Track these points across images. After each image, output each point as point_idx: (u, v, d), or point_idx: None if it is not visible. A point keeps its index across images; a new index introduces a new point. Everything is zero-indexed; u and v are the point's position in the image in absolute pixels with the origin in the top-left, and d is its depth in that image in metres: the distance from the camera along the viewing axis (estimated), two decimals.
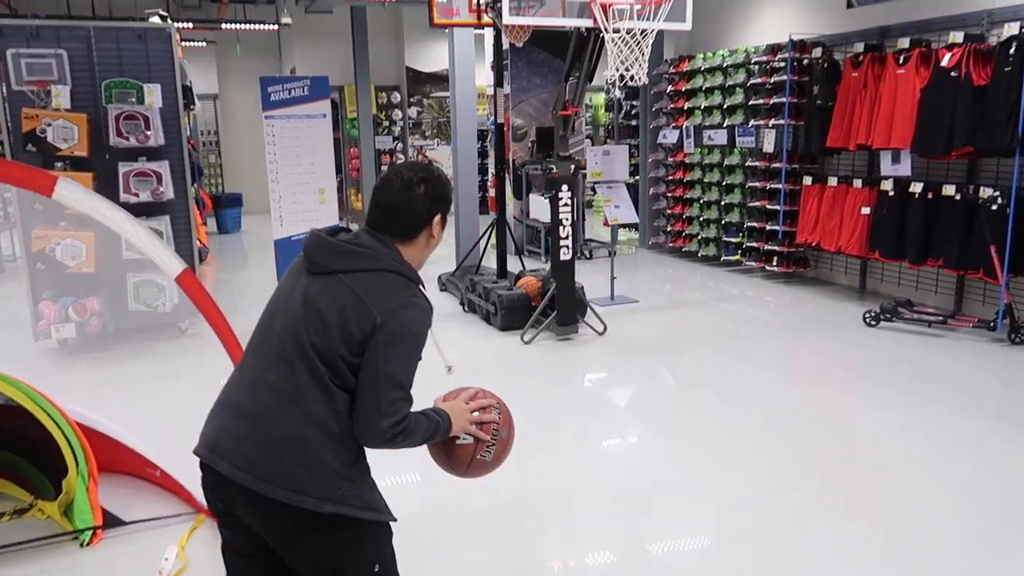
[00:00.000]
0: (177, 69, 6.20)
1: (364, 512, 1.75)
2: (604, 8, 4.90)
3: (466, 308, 7.05)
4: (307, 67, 13.66)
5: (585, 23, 5.14)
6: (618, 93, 4.90)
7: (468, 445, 1.91)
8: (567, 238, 5.90)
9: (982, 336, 5.87)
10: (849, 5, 7.42)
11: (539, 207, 9.36)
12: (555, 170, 5.84)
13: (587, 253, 9.72)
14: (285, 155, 6.46)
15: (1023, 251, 5.68)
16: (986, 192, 5.74)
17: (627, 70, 4.89)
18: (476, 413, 1.92)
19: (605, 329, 6.24)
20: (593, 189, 9.27)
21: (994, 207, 5.66)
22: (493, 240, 7.38)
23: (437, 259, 9.90)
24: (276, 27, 12.39)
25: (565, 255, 5.91)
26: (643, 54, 4.91)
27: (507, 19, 4.85)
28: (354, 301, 1.71)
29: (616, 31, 4.97)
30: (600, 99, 13.39)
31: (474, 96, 8.08)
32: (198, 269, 9.07)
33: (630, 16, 4.98)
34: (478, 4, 6.68)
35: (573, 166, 5.95)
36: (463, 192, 8.22)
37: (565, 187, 5.79)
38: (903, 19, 6.81)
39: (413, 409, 1.76)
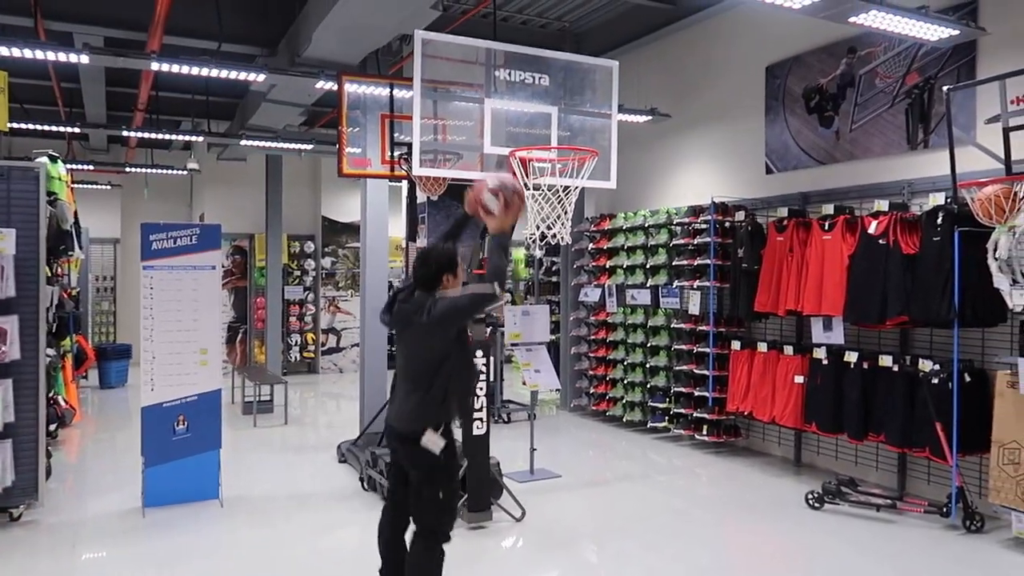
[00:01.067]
0: (42, 212, 5.46)
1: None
2: (524, 163, 4.51)
3: (365, 486, 6.16)
4: (217, 214, 13.09)
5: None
6: (539, 252, 4.37)
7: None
8: (481, 410, 5.21)
9: (935, 522, 5.35)
10: (768, 171, 7.40)
11: None
12: (468, 334, 5.23)
13: (505, 416, 9.01)
14: (164, 310, 5.67)
15: (971, 429, 5.30)
16: (926, 365, 5.42)
17: (548, 228, 4.44)
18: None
19: (523, 514, 5.45)
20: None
21: (935, 381, 5.32)
22: None
23: (342, 425, 9.07)
24: (184, 172, 11.86)
25: (479, 430, 5.20)
26: (565, 212, 4.50)
27: (417, 171, 4.39)
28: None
29: (537, 187, 4.56)
30: (520, 255, 13.18)
31: (385, 248, 7.58)
32: (59, 434, 7.92)
33: (551, 172, 4.60)
34: (391, 155, 6.29)
35: (489, 328, 5.36)
36: (371, 348, 7.53)
37: (479, 353, 5.18)
38: (823, 186, 6.76)
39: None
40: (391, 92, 6.22)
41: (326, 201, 13.52)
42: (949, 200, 5.32)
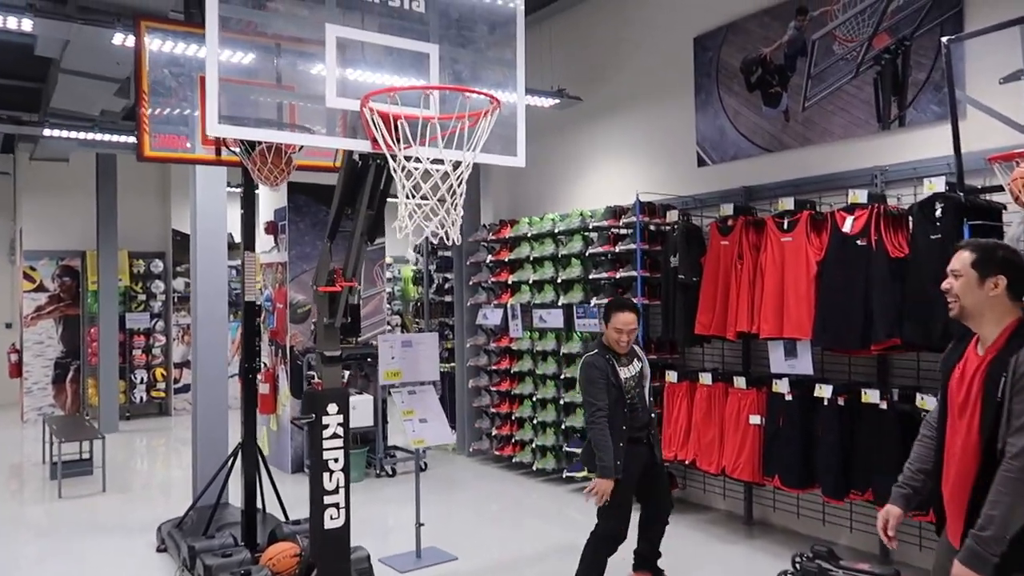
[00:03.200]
0: None
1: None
2: (386, 122, 2.94)
3: None
4: (39, 227, 10.85)
5: (359, 146, 3.14)
6: (410, 255, 2.80)
7: None
8: (337, 491, 3.56)
9: None
10: (701, 162, 6.12)
11: None
12: (316, 380, 3.60)
13: (389, 469, 7.34)
14: None
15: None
16: (926, 401, 4.17)
17: (427, 219, 2.88)
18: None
19: None
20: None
21: None
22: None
23: (181, 488, 7.05)
24: None
25: (333, 521, 3.55)
26: (453, 200, 2.95)
27: (214, 129, 2.74)
28: None
29: (411, 159, 3.00)
30: (408, 271, 11.57)
31: (223, 263, 5.81)
32: None
33: (431, 137, 3.04)
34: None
35: (347, 372, 3.74)
36: (204, 392, 5.74)
37: (333, 407, 3.54)
38: (770, 178, 5.52)
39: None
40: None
41: (178, 212, 11.41)
42: (950, 187, 4.11)
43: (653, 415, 4.31)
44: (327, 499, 3.53)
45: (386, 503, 6.40)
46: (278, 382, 7.63)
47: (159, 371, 11.43)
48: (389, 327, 13.11)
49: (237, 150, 4.47)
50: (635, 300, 5.93)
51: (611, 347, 4.13)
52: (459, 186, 2.94)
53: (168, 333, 11.53)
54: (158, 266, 11.49)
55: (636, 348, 4.27)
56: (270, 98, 3.09)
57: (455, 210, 2.91)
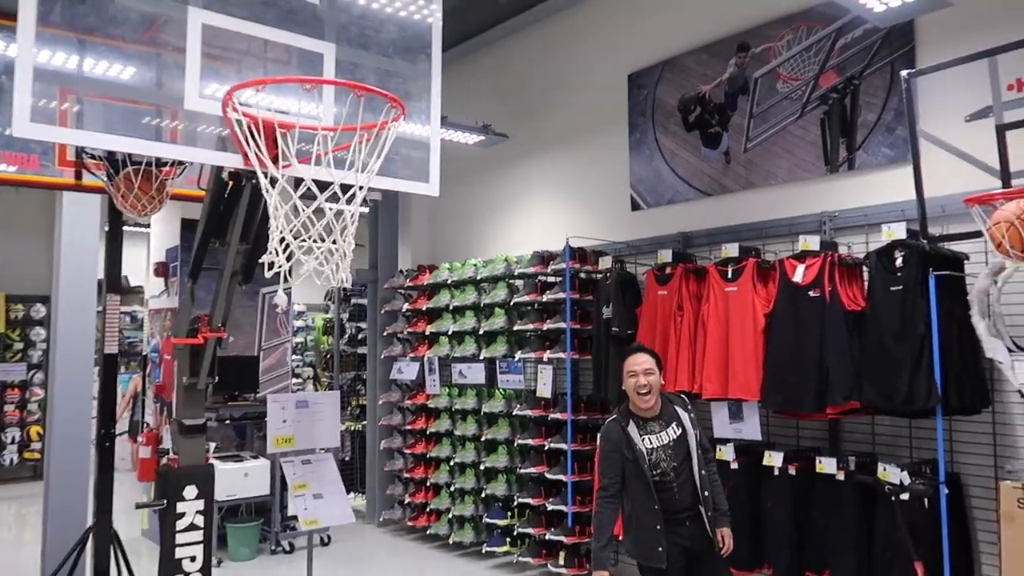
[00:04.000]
0: None
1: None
2: (267, 130, 2.31)
3: None
4: None
5: (227, 160, 2.50)
6: (279, 302, 2.15)
7: None
8: None
9: None
10: (635, 207, 5.68)
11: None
12: (172, 456, 2.88)
13: (286, 545, 6.47)
14: None
15: (964, 564, 3.63)
16: (889, 473, 3.71)
17: (307, 253, 2.25)
18: None
19: None
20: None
21: (905, 497, 3.61)
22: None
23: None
24: None
25: None
26: (341, 231, 2.33)
27: (22, 128, 2.06)
28: None
29: (292, 183, 2.37)
30: (320, 320, 10.78)
31: (91, 307, 5.01)
32: None
33: (320, 155, 2.43)
34: (79, 154, 3.86)
35: (213, 447, 3.03)
36: (60, 459, 4.90)
37: (192, 490, 2.81)
38: (710, 224, 5.11)
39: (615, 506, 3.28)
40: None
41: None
42: (910, 234, 3.73)
43: (705, 493, 3.30)
44: None
45: None
46: (161, 444, 6.72)
47: (35, 429, 10.19)
48: (298, 380, 12.22)
49: (101, 174, 3.76)
50: (562, 355, 5.38)
51: (634, 410, 3.35)
52: (352, 219, 2.33)
53: (47, 386, 10.32)
54: (40, 311, 10.34)
55: (679, 409, 3.41)
56: (114, 93, 2.43)
57: (345, 244, 2.29)
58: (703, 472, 3.33)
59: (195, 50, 2.34)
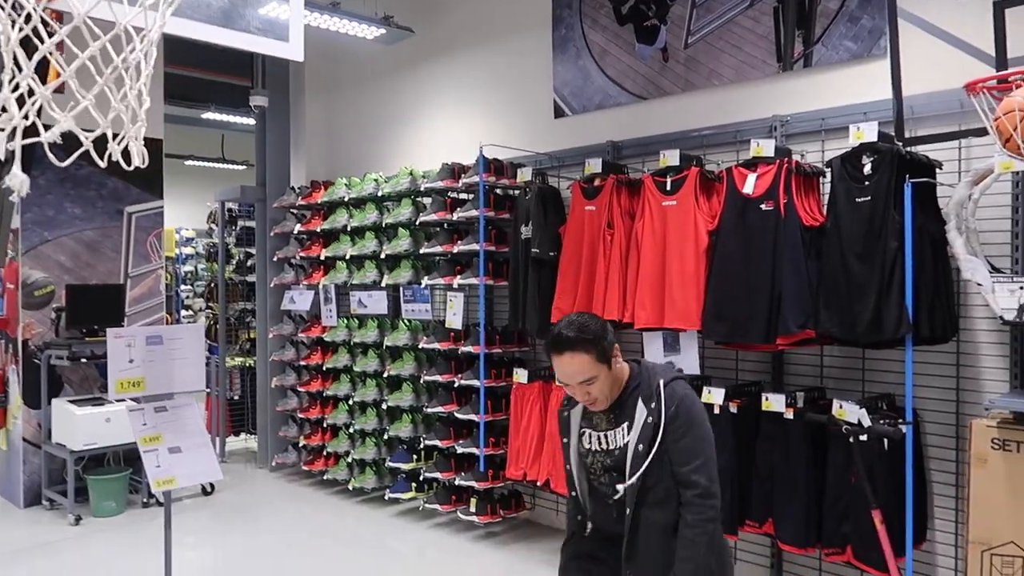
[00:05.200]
0: None
1: None
2: None
3: None
4: None
5: None
6: (13, 181, 1.37)
7: None
8: None
9: None
10: (559, 113, 4.99)
11: (69, 422, 5.26)
12: None
13: (159, 496, 5.69)
14: None
15: (919, 511, 3.24)
16: (846, 411, 3.24)
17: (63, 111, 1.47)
18: None
19: None
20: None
21: (863, 438, 3.16)
22: None
23: None
24: None
25: None
26: (131, 88, 1.55)
27: None
28: None
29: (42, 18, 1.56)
30: (203, 245, 9.76)
31: None
32: None
33: None
34: None
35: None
36: None
37: None
38: (645, 131, 4.48)
39: None
40: None
41: None
42: (882, 137, 3.19)
43: (638, 548, 2.28)
44: None
45: (152, 546, 4.80)
46: (7, 387, 5.76)
47: None
48: (190, 312, 11.18)
49: None
50: (475, 281, 4.72)
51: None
52: (145, 67, 1.55)
53: None
54: None
55: (641, 405, 2.28)
56: None
57: (133, 91, 1.52)
58: (648, 517, 2.23)
59: None
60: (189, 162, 12.00)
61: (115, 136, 1.63)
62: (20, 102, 1.41)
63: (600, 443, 2.34)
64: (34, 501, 5.61)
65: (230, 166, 12.17)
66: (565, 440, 2.46)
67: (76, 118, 1.54)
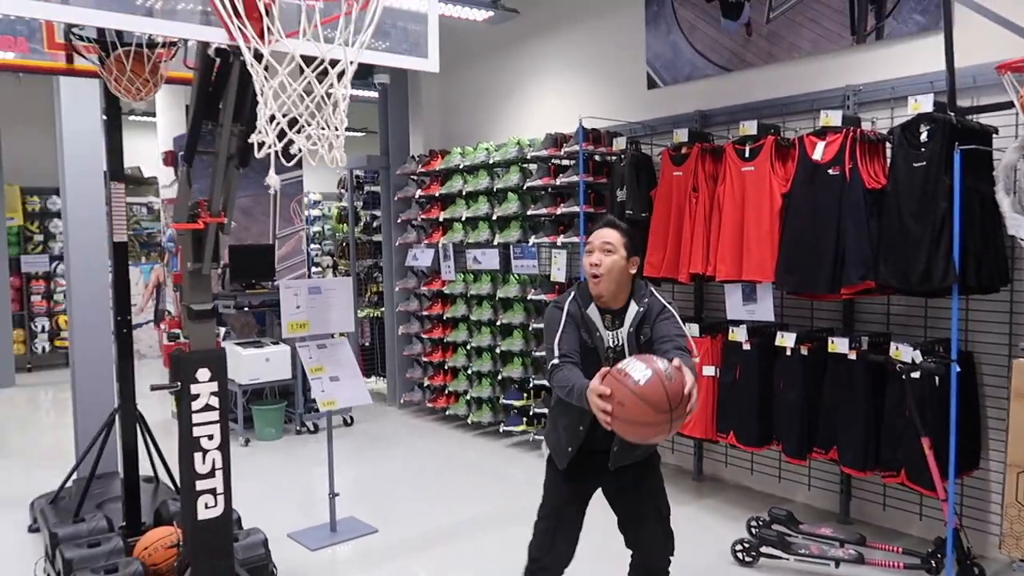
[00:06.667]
0: None
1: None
2: (247, 3, 2.18)
3: None
4: None
5: (213, 36, 2.38)
6: (271, 182, 2.10)
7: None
8: (213, 474, 2.90)
9: None
10: (652, 84, 5.46)
11: (236, 361, 6.27)
12: (182, 339, 2.90)
13: (310, 426, 6.69)
14: None
15: (972, 441, 3.67)
16: (902, 351, 3.68)
17: (296, 130, 2.18)
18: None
19: None
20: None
21: (916, 375, 3.60)
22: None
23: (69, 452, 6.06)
24: None
25: (209, 510, 2.90)
26: (331, 106, 2.23)
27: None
28: None
29: (278, 57, 2.26)
30: (335, 208, 10.72)
31: (98, 197, 5.00)
32: None
33: (307, 29, 2.30)
34: (69, 36, 3.72)
35: (224, 330, 3.06)
36: (82, 347, 5.03)
37: (205, 372, 2.85)
38: (730, 101, 4.90)
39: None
40: None
41: None
42: (938, 107, 3.54)
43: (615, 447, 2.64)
44: (200, 484, 2.88)
45: (305, 465, 5.78)
46: None
47: (62, 318, 10.44)
48: (318, 269, 12.31)
49: (92, 57, 3.64)
50: (576, 239, 5.32)
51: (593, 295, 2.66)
52: (343, 93, 2.23)
53: (69, 276, 10.50)
54: (56, 203, 10.38)
55: (638, 305, 2.63)
56: None
57: (337, 122, 2.21)
58: None
59: None
60: None
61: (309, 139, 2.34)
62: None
63: (616, 340, 2.63)
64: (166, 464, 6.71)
65: (352, 133, 13.13)
66: (589, 334, 2.61)
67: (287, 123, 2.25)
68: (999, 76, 2.88)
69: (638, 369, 2.12)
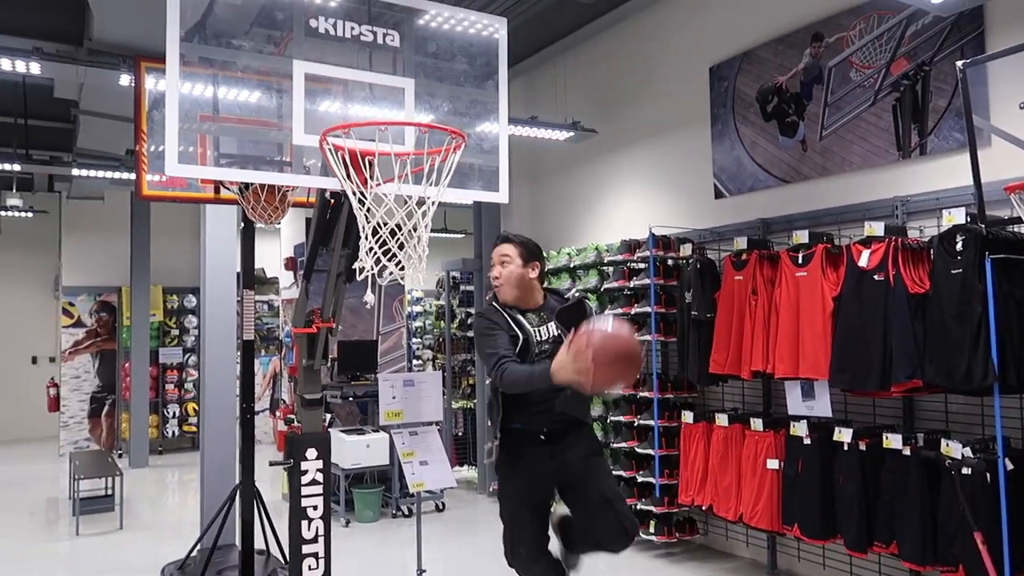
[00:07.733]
0: None
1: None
2: (354, 159, 2.85)
3: None
4: (78, 263, 11.14)
5: (328, 183, 3.06)
6: (369, 300, 2.69)
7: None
8: (316, 540, 3.43)
9: None
10: (718, 195, 5.92)
11: (340, 447, 6.89)
12: (295, 423, 3.50)
13: (405, 509, 7.18)
14: None
15: (1018, 537, 3.76)
16: (952, 448, 3.87)
17: (388, 257, 2.78)
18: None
19: None
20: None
21: (966, 471, 3.77)
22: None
23: (196, 526, 6.89)
24: (24, 214, 9.90)
25: (312, 572, 3.41)
26: (417, 236, 2.83)
27: (174, 169, 2.69)
28: None
29: (372, 197, 2.90)
30: (434, 306, 11.49)
31: (231, 301, 5.83)
32: None
33: (400, 175, 2.94)
34: None
35: (330, 417, 3.63)
36: (211, 431, 5.74)
37: (312, 452, 3.43)
38: (788, 210, 5.29)
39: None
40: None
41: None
42: (971, 218, 3.85)
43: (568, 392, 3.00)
44: (306, 548, 3.40)
45: (398, 546, 6.24)
46: None
47: (191, 405, 11.52)
48: (419, 361, 13.04)
49: (233, 188, 4.46)
50: (649, 338, 5.72)
51: (509, 301, 3.25)
52: (424, 225, 2.82)
53: (201, 367, 11.63)
54: (191, 301, 11.65)
55: (556, 303, 3.31)
56: (239, 136, 3.03)
57: (419, 248, 2.79)
58: None
59: (299, 96, 2.90)
60: None
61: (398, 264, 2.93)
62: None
63: (544, 334, 3.20)
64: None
65: (450, 235, 14.07)
66: (519, 329, 3.14)
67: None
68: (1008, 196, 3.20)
69: (599, 321, 2.75)
